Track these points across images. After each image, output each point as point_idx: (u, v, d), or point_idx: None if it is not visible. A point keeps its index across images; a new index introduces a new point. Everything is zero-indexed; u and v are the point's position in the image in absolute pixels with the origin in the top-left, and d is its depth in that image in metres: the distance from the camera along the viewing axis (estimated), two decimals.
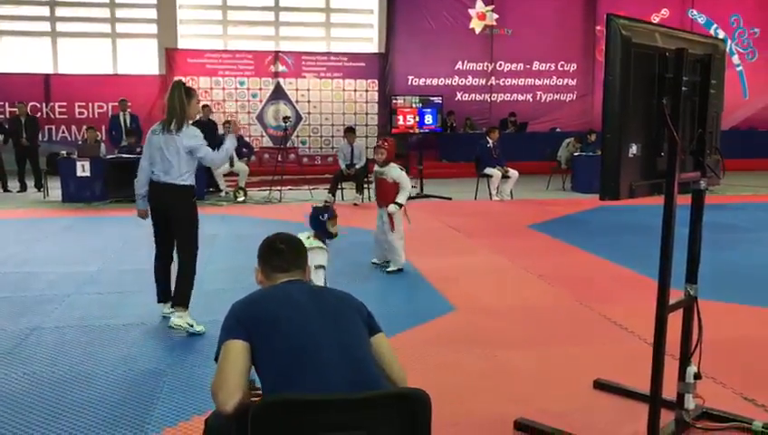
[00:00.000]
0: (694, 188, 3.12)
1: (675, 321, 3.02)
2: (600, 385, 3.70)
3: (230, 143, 4.93)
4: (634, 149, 2.76)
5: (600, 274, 6.46)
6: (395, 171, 6.35)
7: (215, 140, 7.74)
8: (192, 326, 4.59)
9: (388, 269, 6.38)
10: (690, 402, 3.16)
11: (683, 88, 2.81)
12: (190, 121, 4.83)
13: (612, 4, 18.13)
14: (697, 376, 3.15)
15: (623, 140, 2.71)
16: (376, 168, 6.51)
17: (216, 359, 2.12)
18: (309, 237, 4.57)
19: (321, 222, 4.73)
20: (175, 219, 4.75)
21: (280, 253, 2.36)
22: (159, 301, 5.00)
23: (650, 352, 2.86)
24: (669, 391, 3.10)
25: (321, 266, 4.63)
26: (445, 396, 3.21)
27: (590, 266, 6.78)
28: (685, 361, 3.18)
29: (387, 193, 6.35)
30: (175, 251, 4.84)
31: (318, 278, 4.50)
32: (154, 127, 4.83)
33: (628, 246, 7.66)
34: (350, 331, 2.14)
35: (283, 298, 2.19)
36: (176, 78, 5.84)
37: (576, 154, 13.49)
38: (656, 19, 18.51)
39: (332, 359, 2.02)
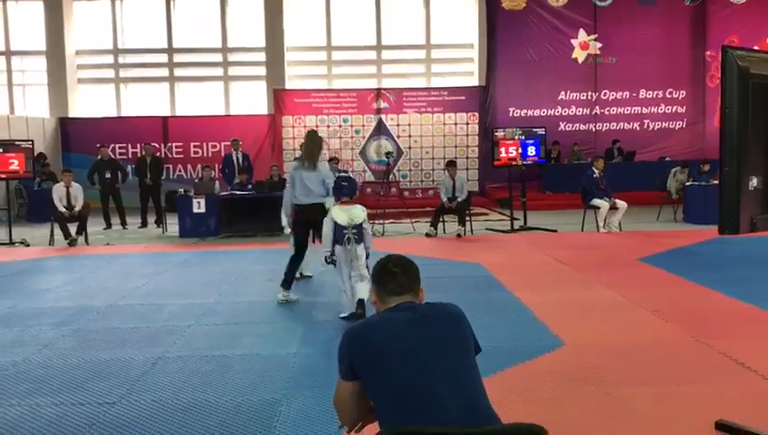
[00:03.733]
0: None
1: None
2: (722, 426, 3.54)
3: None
4: (755, 181, 2.70)
5: (716, 308, 6.19)
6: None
7: None
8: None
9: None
10: None
11: None
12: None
13: (723, 28, 17.59)
14: None
15: (742, 174, 2.65)
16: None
17: (341, 375, 2.26)
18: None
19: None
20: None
21: (394, 276, 2.34)
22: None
23: None
24: None
25: None
26: (559, 434, 3.17)
27: (705, 301, 6.50)
28: None
29: None
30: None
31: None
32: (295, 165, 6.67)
33: (745, 279, 7.30)
34: (460, 359, 2.17)
35: (392, 330, 2.19)
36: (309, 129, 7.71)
37: (688, 184, 12.98)
38: None
39: (445, 390, 2.05)
